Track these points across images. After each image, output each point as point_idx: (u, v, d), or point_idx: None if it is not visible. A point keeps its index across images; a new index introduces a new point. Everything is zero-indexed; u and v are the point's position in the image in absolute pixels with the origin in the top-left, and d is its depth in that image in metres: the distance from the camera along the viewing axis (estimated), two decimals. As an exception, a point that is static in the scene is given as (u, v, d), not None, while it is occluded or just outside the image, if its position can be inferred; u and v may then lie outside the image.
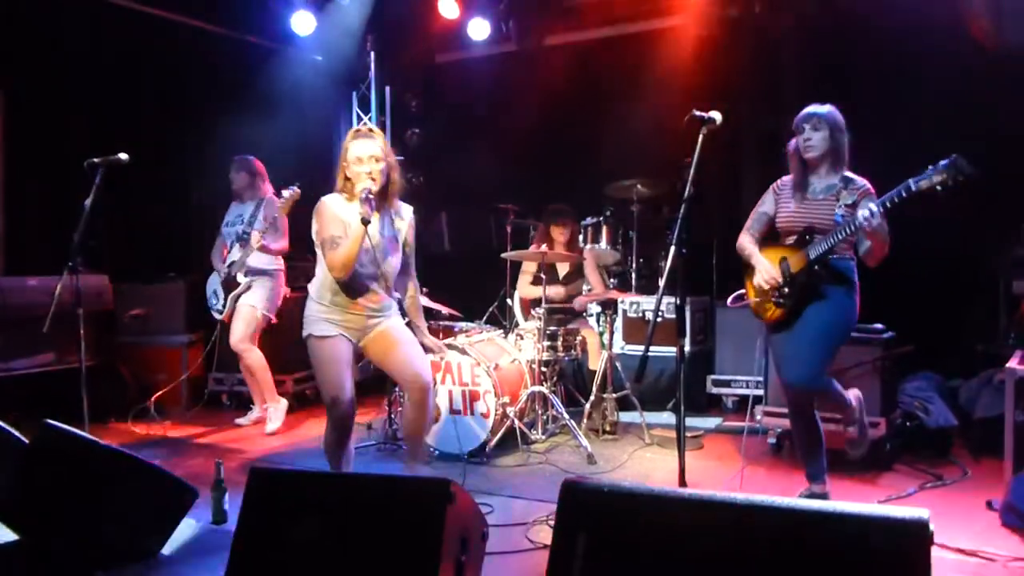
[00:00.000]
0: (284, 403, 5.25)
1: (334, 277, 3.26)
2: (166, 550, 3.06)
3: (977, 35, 4.88)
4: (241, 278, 5.01)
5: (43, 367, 5.01)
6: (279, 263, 5.16)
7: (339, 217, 3.26)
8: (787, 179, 3.51)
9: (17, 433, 3.27)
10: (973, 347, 4.96)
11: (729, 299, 3.88)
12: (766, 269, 3.41)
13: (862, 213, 3.08)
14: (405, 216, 3.49)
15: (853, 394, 3.51)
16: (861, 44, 5.42)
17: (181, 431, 5.13)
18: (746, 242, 3.55)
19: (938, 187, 2.96)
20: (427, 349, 3.60)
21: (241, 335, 4.97)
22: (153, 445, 4.73)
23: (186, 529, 3.18)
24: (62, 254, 3.84)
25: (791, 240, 3.42)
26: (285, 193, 4.81)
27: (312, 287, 3.41)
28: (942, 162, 2.96)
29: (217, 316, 5.15)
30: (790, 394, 3.48)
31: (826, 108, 3.36)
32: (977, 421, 4.38)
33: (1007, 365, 3.57)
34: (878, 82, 5.28)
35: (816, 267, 3.29)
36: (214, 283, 5.22)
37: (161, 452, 4.55)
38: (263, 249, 4.97)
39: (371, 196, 3.20)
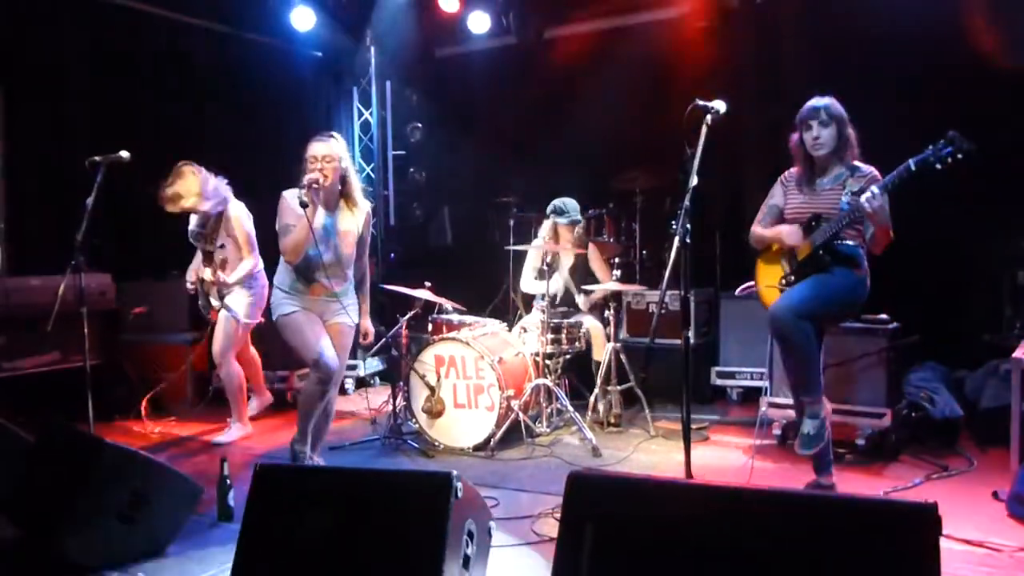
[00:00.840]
0: (248, 429, 4.90)
1: (286, 261, 3.63)
2: (173, 547, 3.08)
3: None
4: (215, 301, 4.68)
5: (47, 366, 5.01)
6: (258, 274, 4.73)
7: (295, 209, 3.55)
8: (794, 171, 3.52)
9: (23, 432, 3.28)
10: (979, 337, 4.94)
11: (738, 289, 3.90)
12: (788, 231, 3.42)
13: (865, 195, 3.11)
14: (362, 211, 3.78)
15: (828, 403, 3.38)
16: (863, 33, 5.39)
17: (186, 429, 5.13)
18: (758, 230, 3.57)
19: (937, 165, 3.02)
20: (363, 330, 3.99)
21: (220, 347, 4.69)
22: (158, 443, 4.73)
23: (192, 526, 3.19)
24: (65, 253, 3.83)
25: None
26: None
27: (276, 276, 3.77)
28: (941, 140, 3.02)
29: (205, 313, 4.86)
30: (769, 321, 3.36)
31: (827, 100, 3.35)
32: (983, 411, 4.37)
33: (1013, 355, 3.56)
34: (880, 71, 5.25)
35: (821, 252, 3.31)
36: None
37: (166, 450, 4.56)
38: (218, 283, 4.58)
39: (315, 185, 3.50)
